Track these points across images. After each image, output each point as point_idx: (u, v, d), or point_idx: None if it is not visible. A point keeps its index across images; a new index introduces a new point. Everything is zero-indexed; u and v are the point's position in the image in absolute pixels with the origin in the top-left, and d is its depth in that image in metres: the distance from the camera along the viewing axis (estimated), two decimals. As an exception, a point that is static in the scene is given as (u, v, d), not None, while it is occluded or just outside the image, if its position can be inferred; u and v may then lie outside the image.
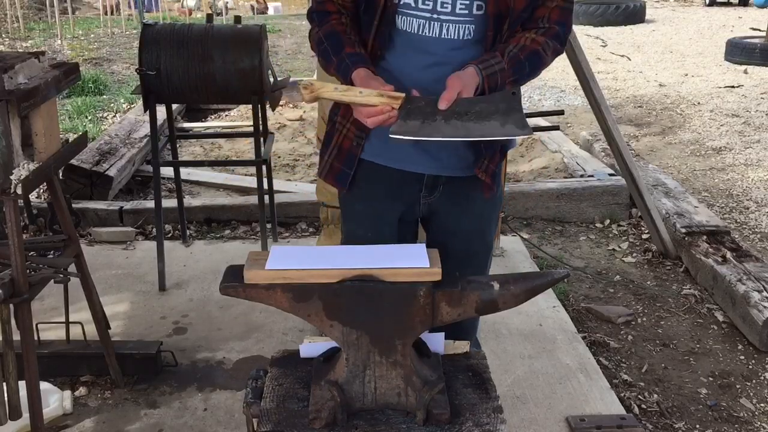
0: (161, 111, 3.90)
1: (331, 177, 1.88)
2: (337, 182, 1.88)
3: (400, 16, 1.70)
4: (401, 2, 1.69)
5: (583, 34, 10.88)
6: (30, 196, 2.74)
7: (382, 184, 1.85)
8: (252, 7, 14.83)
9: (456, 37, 1.70)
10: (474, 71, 1.63)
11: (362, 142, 1.81)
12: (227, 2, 13.65)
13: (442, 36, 1.70)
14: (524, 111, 1.74)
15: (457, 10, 1.68)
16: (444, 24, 1.69)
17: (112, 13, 12.54)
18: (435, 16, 1.68)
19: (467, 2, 1.67)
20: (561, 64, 8.48)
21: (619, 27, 12.30)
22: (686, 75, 8.69)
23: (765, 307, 3.12)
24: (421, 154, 1.79)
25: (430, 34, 1.70)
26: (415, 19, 1.69)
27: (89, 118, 6.54)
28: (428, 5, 1.68)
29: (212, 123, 6.79)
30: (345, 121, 1.82)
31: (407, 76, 1.72)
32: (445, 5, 1.68)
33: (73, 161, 4.34)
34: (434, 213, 1.91)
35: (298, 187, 4.82)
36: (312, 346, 1.49)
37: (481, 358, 1.55)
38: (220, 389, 2.73)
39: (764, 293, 3.21)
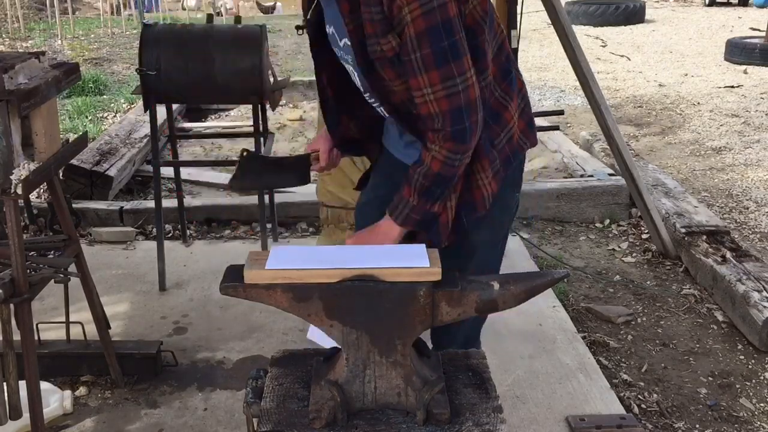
0: (161, 111, 3.90)
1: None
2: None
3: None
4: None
5: (583, 34, 10.88)
6: (30, 196, 2.74)
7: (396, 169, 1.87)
8: (258, 4, 14.76)
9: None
10: (389, 223, 1.67)
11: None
12: (226, 2, 13.64)
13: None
14: None
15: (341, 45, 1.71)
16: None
17: (119, 13, 12.54)
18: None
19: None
20: (561, 64, 8.51)
21: (619, 27, 12.28)
22: (686, 75, 8.69)
23: (765, 306, 3.12)
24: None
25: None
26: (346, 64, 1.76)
27: (89, 118, 6.54)
28: (337, 49, 1.74)
29: (212, 123, 6.79)
30: None
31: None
32: (336, 44, 1.72)
33: (74, 161, 4.33)
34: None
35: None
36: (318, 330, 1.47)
37: (481, 358, 1.55)
38: (220, 389, 2.73)
39: (764, 293, 3.21)
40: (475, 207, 1.72)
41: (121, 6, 12.61)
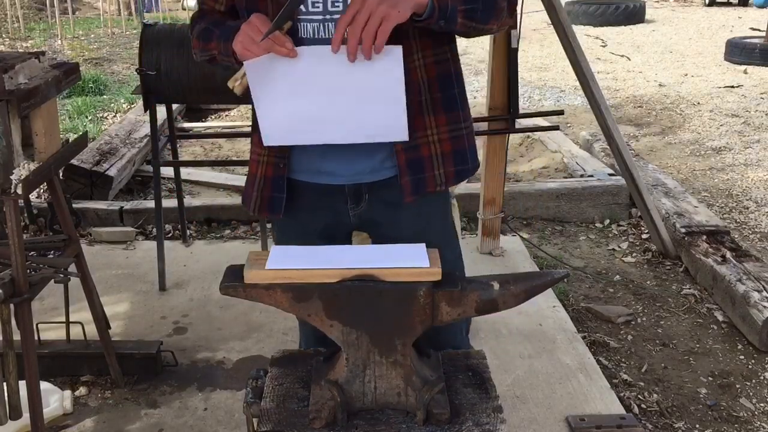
0: (161, 111, 3.90)
1: (264, 208, 1.72)
2: (272, 211, 1.71)
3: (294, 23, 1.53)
4: None
5: (583, 34, 10.89)
6: (30, 196, 2.75)
7: (304, 199, 1.71)
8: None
9: None
10: None
11: (285, 161, 1.67)
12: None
13: None
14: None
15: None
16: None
17: (129, 14, 12.54)
18: (327, 17, 1.53)
19: None
20: (561, 64, 8.51)
21: (619, 27, 12.29)
22: (686, 75, 8.69)
23: (765, 306, 3.12)
24: (332, 161, 1.66)
25: (326, 36, 1.53)
26: (309, 23, 1.54)
27: (89, 118, 6.54)
28: (318, 7, 1.53)
29: (212, 123, 6.79)
30: (261, 149, 1.69)
31: None
32: (336, 4, 1.52)
33: (74, 161, 4.34)
34: (370, 223, 1.75)
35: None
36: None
37: (481, 358, 1.55)
38: (220, 389, 2.73)
39: (764, 293, 3.21)
40: (468, 157, 1.72)
41: (121, 6, 12.61)
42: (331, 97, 1.51)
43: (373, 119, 1.53)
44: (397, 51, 1.45)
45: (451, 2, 1.47)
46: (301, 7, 1.53)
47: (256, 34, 1.46)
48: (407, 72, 1.50)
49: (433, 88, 1.64)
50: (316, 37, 1.55)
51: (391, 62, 1.45)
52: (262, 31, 1.45)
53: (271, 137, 1.58)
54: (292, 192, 1.71)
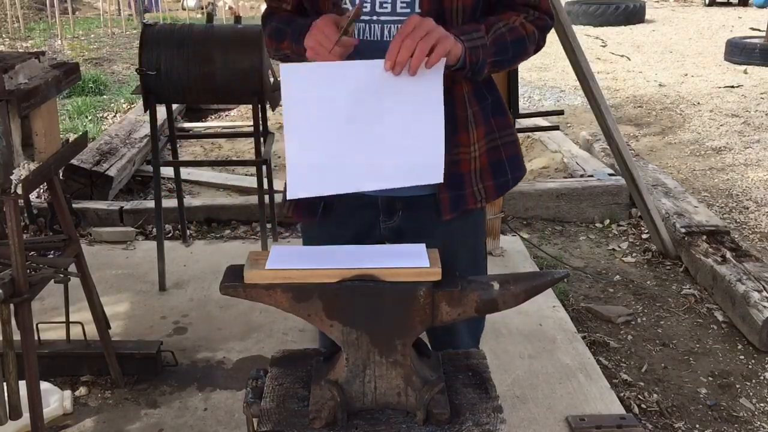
0: (161, 111, 3.90)
1: (299, 211, 1.71)
2: (309, 214, 1.70)
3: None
4: (342, 8, 1.55)
5: (583, 34, 10.88)
6: (30, 196, 2.75)
7: (338, 208, 1.69)
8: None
9: None
10: (451, 37, 1.42)
11: None
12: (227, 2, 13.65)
13: (384, 38, 1.53)
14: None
15: (398, 9, 1.52)
16: (385, 25, 1.53)
17: (129, 15, 12.55)
18: (374, 17, 1.53)
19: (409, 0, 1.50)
20: (561, 64, 8.51)
21: (619, 27, 12.29)
22: (686, 75, 8.69)
23: (765, 306, 3.12)
24: None
25: (371, 38, 1.54)
26: (355, 23, 1.53)
27: (89, 118, 6.54)
28: (366, 6, 1.52)
29: (212, 123, 6.79)
30: None
31: None
32: (384, 5, 1.52)
33: (74, 161, 4.34)
34: (400, 236, 1.72)
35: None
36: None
37: (481, 358, 1.55)
38: (220, 389, 2.73)
39: (764, 293, 3.21)
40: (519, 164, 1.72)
41: (121, 6, 12.61)
42: (368, 125, 1.43)
43: (409, 156, 1.45)
44: (440, 70, 1.40)
45: (482, 56, 1.48)
46: (348, 6, 1.53)
47: (325, 41, 1.43)
48: (451, 86, 1.48)
49: (472, 101, 1.62)
50: (362, 38, 1.54)
51: (434, 81, 1.41)
52: (330, 39, 1.42)
53: (298, 184, 1.42)
54: (325, 199, 1.68)
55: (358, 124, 1.42)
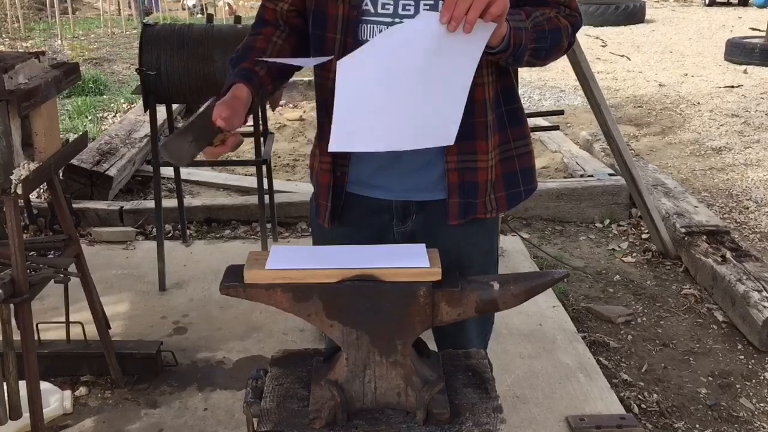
0: (161, 111, 3.90)
1: (322, 215, 1.68)
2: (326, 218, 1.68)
3: (361, 25, 1.52)
4: (362, 9, 1.51)
5: (583, 34, 10.88)
6: (30, 196, 2.74)
7: (353, 212, 1.68)
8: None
9: None
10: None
11: (344, 169, 1.62)
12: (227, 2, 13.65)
13: None
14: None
15: (421, 9, 1.48)
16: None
17: (129, 15, 12.55)
18: (396, 20, 1.50)
19: (432, 2, 1.48)
20: (561, 64, 8.49)
21: (619, 27, 12.30)
22: (686, 75, 8.69)
23: (765, 306, 3.12)
24: (386, 175, 1.62)
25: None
26: (376, 26, 1.51)
27: (89, 118, 6.54)
28: (388, 9, 1.50)
29: (212, 123, 6.78)
30: (327, 157, 1.62)
31: None
32: (407, 8, 1.49)
33: (74, 161, 4.34)
34: (412, 242, 1.66)
35: (298, 187, 4.82)
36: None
37: (481, 358, 1.55)
38: (220, 389, 2.73)
39: (764, 293, 3.21)
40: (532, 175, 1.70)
41: (121, 6, 12.61)
42: (405, 86, 1.39)
43: (429, 118, 1.43)
44: (487, 33, 1.35)
45: (525, 39, 1.44)
46: (369, 7, 1.51)
47: (233, 116, 1.47)
48: (473, 90, 1.44)
49: (492, 107, 1.60)
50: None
51: (477, 45, 1.36)
52: (238, 117, 1.49)
53: (338, 142, 1.41)
54: (342, 202, 1.67)
55: (396, 84, 1.39)
